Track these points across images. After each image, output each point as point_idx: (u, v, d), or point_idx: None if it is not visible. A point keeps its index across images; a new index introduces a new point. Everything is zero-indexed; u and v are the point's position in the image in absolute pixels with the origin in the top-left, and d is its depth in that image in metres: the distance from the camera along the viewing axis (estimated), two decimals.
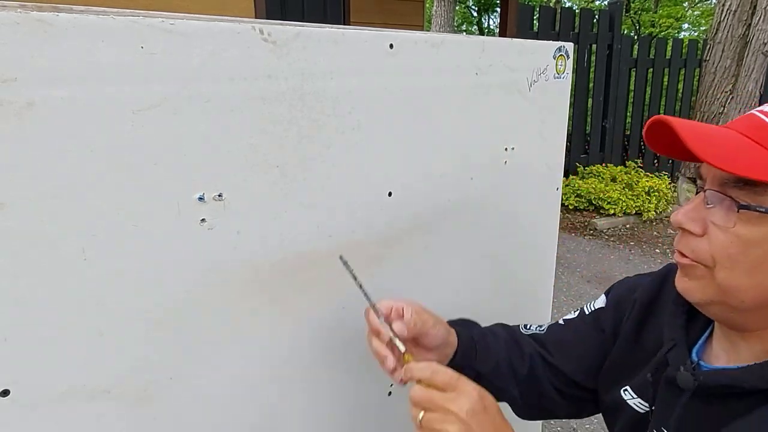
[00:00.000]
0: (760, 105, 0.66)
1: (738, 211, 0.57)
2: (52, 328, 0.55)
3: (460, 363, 0.82)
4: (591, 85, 5.98)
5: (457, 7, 14.02)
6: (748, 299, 0.58)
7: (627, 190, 5.47)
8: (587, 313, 0.88)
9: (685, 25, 14.53)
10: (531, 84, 1.10)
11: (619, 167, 5.88)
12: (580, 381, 0.84)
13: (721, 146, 0.57)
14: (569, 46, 1.19)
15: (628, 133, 6.43)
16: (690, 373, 0.64)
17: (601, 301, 0.87)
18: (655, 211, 5.47)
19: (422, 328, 0.76)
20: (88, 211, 0.55)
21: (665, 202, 5.59)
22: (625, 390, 0.74)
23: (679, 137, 0.57)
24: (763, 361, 0.59)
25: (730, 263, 0.58)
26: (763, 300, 0.57)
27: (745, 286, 0.58)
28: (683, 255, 0.62)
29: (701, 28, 13.63)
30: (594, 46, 5.81)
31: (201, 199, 0.63)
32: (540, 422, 1.48)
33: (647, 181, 5.58)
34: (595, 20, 5.79)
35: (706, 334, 0.70)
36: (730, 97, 5.73)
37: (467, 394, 0.62)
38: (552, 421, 2.44)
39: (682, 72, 6.44)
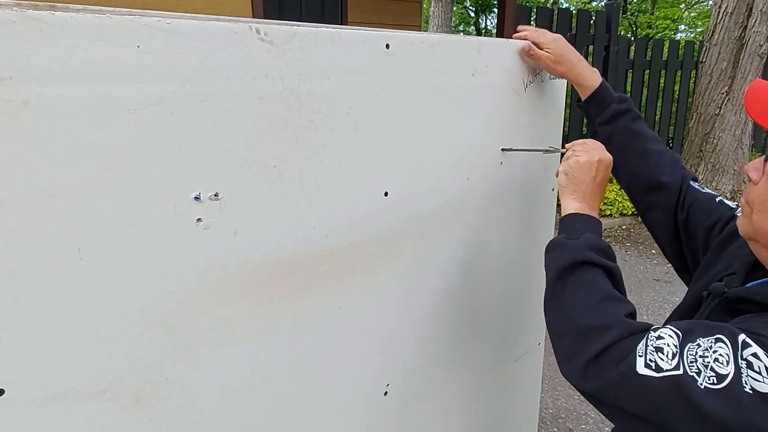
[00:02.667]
0: None
1: (765, 161, 0.72)
2: (48, 328, 0.54)
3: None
4: None
5: (454, 8, 14.02)
6: None
7: (623, 191, 5.47)
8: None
9: (682, 27, 14.57)
10: (527, 85, 1.11)
11: None
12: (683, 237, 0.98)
13: None
14: None
15: None
16: (723, 285, 0.79)
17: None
18: None
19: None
20: (84, 210, 0.55)
21: None
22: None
23: (746, 95, 0.73)
24: None
25: (761, 207, 0.72)
26: None
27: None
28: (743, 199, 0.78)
29: (698, 29, 13.67)
30: (591, 48, 5.81)
31: (197, 198, 0.63)
32: (536, 422, 1.49)
33: None
34: (592, 21, 5.80)
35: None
36: (727, 98, 5.75)
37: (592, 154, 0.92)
38: (548, 422, 2.44)
39: (679, 73, 6.45)
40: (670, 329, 0.68)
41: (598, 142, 0.97)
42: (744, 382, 0.60)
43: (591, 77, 1.06)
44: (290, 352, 0.78)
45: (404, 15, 4.66)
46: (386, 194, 0.86)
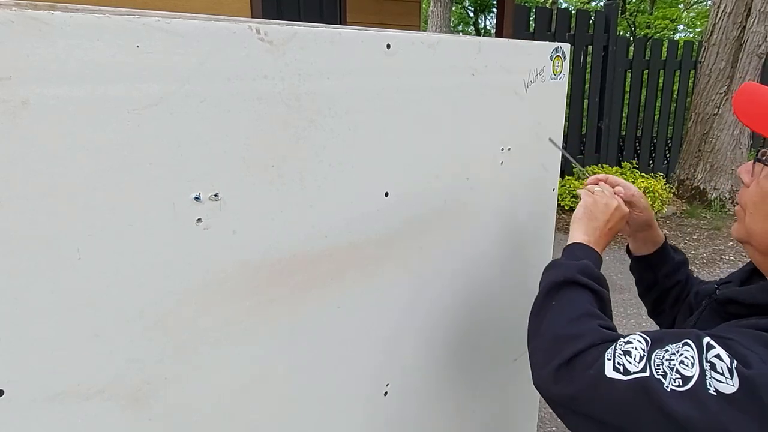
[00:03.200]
0: None
1: (754, 164, 0.73)
2: (47, 328, 0.54)
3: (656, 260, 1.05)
4: (587, 86, 5.99)
5: (453, 8, 14.02)
6: (763, 243, 0.72)
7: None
8: None
9: (681, 27, 14.59)
10: (527, 85, 1.11)
11: (614, 168, 5.89)
12: None
13: (764, 112, 0.72)
14: (566, 47, 1.20)
15: (623, 134, 6.44)
16: (714, 287, 0.83)
17: None
18: None
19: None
20: (83, 211, 0.55)
21: (660, 203, 5.61)
22: None
23: (735, 97, 0.75)
24: (760, 284, 0.74)
25: (753, 209, 0.73)
26: None
27: (760, 230, 0.72)
28: (737, 203, 0.79)
29: (696, 29, 13.68)
30: (590, 48, 5.82)
31: (197, 199, 0.63)
32: (535, 422, 1.49)
33: (643, 181, 5.59)
34: (591, 21, 5.80)
35: None
36: (725, 98, 5.75)
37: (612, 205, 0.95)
38: (547, 421, 2.44)
39: (678, 73, 6.45)
40: (640, 335, 0.68)
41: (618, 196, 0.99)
42: (708, 384, 0.59)
43: (661, 236, 1.05)
44: (290, 353, 0.78)
45: (403, 15, 4.66)
46: (386, 194, 0.86)
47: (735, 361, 0.59)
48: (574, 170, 5.86)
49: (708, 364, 0.61)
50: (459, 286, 1.08)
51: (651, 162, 6.62)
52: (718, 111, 5.80)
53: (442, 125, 0.94)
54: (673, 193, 6.10)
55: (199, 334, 0.67)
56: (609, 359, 0.66)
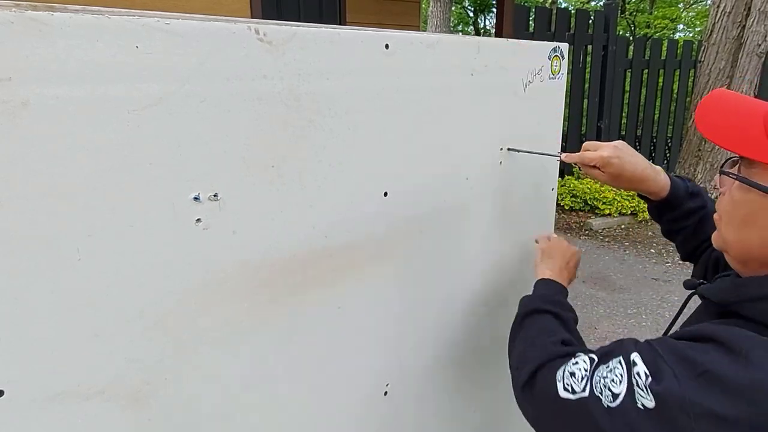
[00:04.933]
0: None
1: (720, 176, 0.73)
2: (47, 329, 0.54)
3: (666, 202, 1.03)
4: (587, 85, 6.00)
5: (453, 8, 14.02)
6: (736, 252, 0.72)
7: (622, 190, 5.47)
8: None
9: (680, 26, 14.59)
10: (526, 84, 1.11)
11: None
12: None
13: (725, 123, 0.71)
14: (564, 47, 1.20)
15: (623, 133, 6.45)
16: (697, 282, 0.82)
17: None
18: None
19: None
20: (83, 211, 0.55)
21: None
22: None
23: (697, 108, 0.75)
24: (726, 279, 0.74)
25: (727, 218, 0.73)
26: (745, 255, 0.71)
27: (733, 240, 0.72)
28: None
29: (696, 29, 13.68)
30: (589, 47, 5.82)
31: (197, 199, 0.63)
32: None
33: None
34: (590, 21, 5.80)
35: None
36: None
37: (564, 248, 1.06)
38: None
39: (677, 73, 6.46)
40: (588, 355, 0.71)
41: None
42: (637, 399, 0.61)
43: (659, 184, 1.01)
44: (289, 353, 0.78)
45: (403, 15, 4.66)
46: (385, 194, 0.86)
47: (650, 378, 0.61)
48: (573, 169, 5.86)
49: (634, 380, 0.63)
50: (459, 287, 1.08)
51: (651, 161, 6.63)
52: None
53: (442, 125, 0.94)
54: None
55: (199, 334, 0.67)
56: (559, 381, 0.70)
